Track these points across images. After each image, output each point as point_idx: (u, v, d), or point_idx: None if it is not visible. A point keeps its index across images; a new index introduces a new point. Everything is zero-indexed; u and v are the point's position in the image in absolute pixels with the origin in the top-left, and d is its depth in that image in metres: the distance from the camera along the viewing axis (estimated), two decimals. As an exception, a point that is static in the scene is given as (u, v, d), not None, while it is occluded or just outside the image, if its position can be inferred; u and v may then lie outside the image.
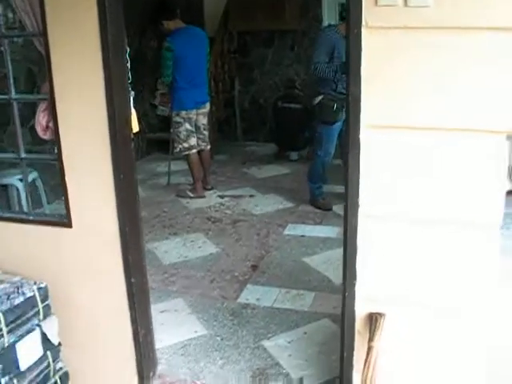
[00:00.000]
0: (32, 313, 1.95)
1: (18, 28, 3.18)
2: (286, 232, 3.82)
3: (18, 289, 1.95)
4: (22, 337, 1.90)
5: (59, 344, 2.07)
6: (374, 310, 1.76)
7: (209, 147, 4.72)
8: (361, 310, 1.78)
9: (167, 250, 3.56)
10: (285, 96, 5.79)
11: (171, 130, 4.62)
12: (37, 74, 4.11)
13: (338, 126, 3.93)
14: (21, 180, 3.25)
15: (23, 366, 1.90)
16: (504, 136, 1.51)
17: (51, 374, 2.05)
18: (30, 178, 3.29)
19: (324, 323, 2.59)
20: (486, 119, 1.51)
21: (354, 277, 1.75)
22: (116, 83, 1.83)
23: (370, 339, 1.70)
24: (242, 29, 6.02)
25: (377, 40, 1.53)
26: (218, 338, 2.53)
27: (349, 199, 1.69)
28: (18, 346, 1.88)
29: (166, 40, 4.26)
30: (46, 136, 2.03)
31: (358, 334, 1.81)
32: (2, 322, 1.82)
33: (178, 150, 4.54)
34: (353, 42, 1.55)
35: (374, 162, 1.64)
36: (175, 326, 2.64)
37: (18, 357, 1.88)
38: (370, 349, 1.69)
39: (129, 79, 1.93)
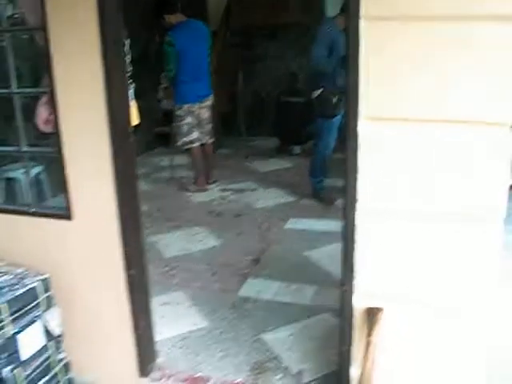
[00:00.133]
0: (34, 304, 1.97)
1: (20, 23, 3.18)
2: (288, 226, 3.81)
3: (20, 280, 1.98)
4: (24, 327, 1.92)
5: (61, 335, 2.09)
6: (372, 306, 1.75)
7: (211, 141, 4.71)
8: (359, 305, 1.78)
9: (169, 244, 3.57)
10: (288, 90, 5.77)
11: (173, 124, 4.62)
12: (39, 67, 4.10)
13: (337, 119, 3.92)
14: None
15: (25, 356, 1.93)
16: (508, 128, 1.47)
17: (53, 364, 2.08)
18: (35, 171, 3.31)
19: (324, 317, 2.60)
20: (489, 111, 1.48)
21: (352, 272, 1.75)
22: (115, 75, 1.83)
23: (369, 334, 1.71)
24: (245, 22, 5.97)
25: (376, 30, 1.51)
26: (218, 331, 2.54)
27: (347, 193, 1.68)
28: (20, 336, 1.90)
29: (167, 34, 4.26)
30: (47, 129, 2.05)
31: (356, 328, 1.81)
32: (7, 311, 1.84)
33: (180, 143, 4.54)
34: (352, 33, 1.53)
35: (373, 155, 1.61)
36: (175, 319, 2.65)
37: (20, 347, 1.90)
38: (368, 343, 1.69)
39: (128, 72, 1.93)
